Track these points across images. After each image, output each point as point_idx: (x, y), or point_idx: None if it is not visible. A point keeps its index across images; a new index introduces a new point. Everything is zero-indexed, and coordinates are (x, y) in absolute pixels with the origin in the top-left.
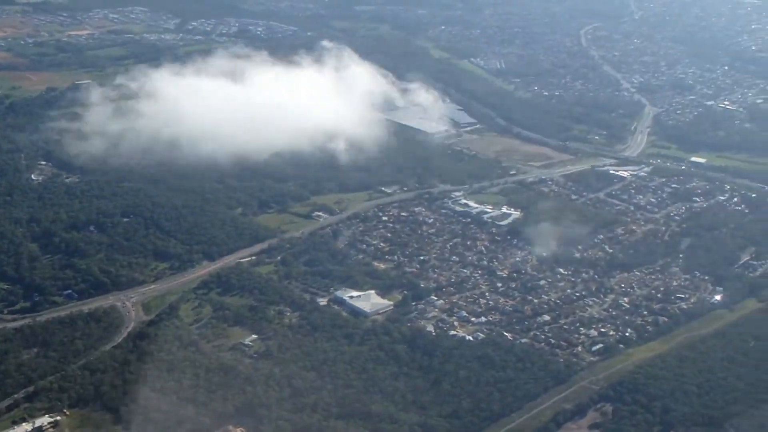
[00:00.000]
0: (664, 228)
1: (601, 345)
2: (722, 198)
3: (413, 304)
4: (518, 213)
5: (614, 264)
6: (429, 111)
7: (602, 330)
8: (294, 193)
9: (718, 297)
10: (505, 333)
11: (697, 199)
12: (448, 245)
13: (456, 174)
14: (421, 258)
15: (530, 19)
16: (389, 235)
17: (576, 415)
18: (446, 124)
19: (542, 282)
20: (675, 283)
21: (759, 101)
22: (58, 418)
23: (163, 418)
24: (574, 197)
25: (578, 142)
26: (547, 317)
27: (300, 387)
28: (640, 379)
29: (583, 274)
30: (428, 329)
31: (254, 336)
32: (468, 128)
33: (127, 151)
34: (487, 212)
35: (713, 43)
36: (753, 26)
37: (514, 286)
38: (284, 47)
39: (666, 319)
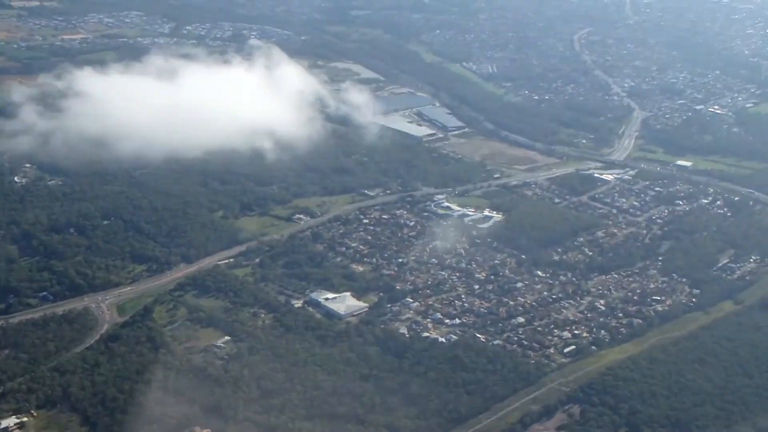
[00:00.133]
0: (645, 231)
1: (573, 347)
2: (705, 201)
3: (388, 306)
4: (500, 216)
5: (593, 267)
6: (361, 109)
7: (576, 332)
8: (276, 196)
9: (694, 299)
10: (478, 335)
11: (680, 203)
12: (427, 248)
13: (440, 177)
14: (400, 260)
15: (525, 24)
16: (369, 237)
17: (543, 416)
18: (433, 128)
19: (519, 284)
20: (652, 286)
21: (748, 105)
22: (25, 419)
23: (130, 420)
24: (557, 200)
25: (565, 146)
26: (521, 319)
27: (269, 388)
28: (609, 380)
29: (561, 277)
30: (401, 331)
31: (227, 338)
32: (456, 132)
33: (52, 150)
34: (468, 215)
35: (707, 48)
36: (748, 31)
37: (490, 288)
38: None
39: (640, 321)
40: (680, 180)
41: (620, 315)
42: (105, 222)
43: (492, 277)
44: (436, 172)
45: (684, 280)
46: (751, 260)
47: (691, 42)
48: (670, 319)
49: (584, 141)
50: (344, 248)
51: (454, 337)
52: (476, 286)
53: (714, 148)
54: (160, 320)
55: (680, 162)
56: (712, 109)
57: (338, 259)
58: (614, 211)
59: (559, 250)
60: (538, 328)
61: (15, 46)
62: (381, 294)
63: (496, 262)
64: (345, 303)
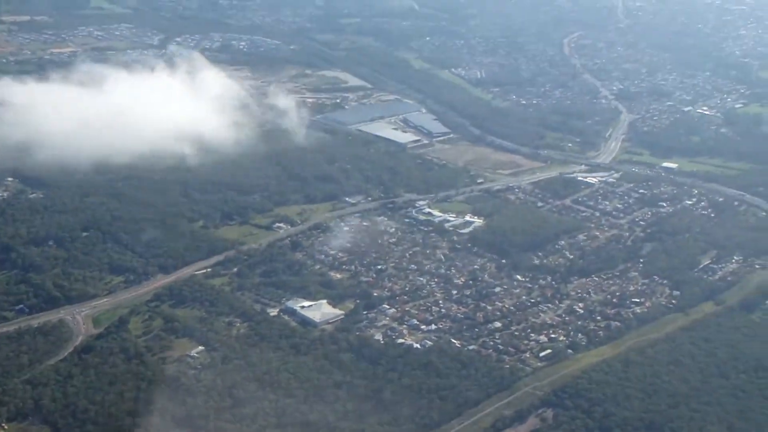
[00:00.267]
0: (627, 233)
1: (549, 351)
2: (689, 202)
3: (364, 313)
4: (481, 221)
5: (573, 270)
6: (288, 113)
7: (552, 336)
8: (257, 205)
9: (674, 301)
10: (453, 340)
11: (664, 204)
12: (407, 254)
13: (423, 183)
14: (378, 267)
15: (515, 30)
16: (348, 245)
17: (516, 421)
18: (419, 135)
19: (497, 289)
20: (632, 288)
21: (738, 106)
22: None
23: (100, 431)
24: (540, 204)
25: (551, 150)
26: (498, 324)
27: (241, 397)
28: (583, 384)
29: (541, 281)
30: (376, 338)
31: (201, 347)
32: (441, 138)
33: None
34: (449, 221)
35: (697, 50)
36: (740, 32)
37: (468, 293)
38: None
39: (618, 324)
40: (665, 182)
41: (598, 318)
42: (84, 234)
43: (471, 282)
44: (419, 178)
45: (665, 281)
46: (734, 261)
47: (681, 44)
48: (649, 321)
49: (570, 144)
50: (323, 256)
51: (429, 342)
52: (454, 292)
53: (701, 149)
54: (135, 331)
55: (666, 164)
56: (700, 111)
57: (317, 266)
58: (597, 213)
59: (540, 253)
60: (515, 333)
61: (4, 60)
62: (358, 301)
63: (476, 267)
64: (320, 311)
